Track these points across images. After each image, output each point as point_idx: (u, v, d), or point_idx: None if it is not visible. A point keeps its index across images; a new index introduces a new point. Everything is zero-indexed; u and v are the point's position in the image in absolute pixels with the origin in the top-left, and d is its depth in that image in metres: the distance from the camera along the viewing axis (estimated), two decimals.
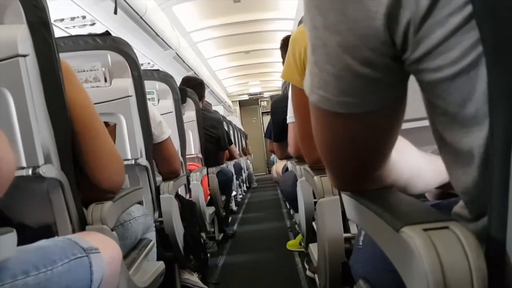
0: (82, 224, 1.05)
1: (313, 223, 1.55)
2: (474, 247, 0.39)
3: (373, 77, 0.47)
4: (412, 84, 0.52)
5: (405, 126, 0.58)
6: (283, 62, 2.56)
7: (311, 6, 0.48)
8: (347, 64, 0.46)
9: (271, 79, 10.44)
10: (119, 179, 1.18)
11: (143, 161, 1.68)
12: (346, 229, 1.20)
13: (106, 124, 1.29)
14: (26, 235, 0.82)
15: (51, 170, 0.95)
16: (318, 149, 0.62)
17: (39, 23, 0.94)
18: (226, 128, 4.19)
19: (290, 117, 1.85)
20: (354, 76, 0.47)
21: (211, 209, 3.13)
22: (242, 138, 7.53)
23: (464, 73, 0.40)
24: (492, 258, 0.40)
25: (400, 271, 0.47)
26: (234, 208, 5.30)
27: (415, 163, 0.72)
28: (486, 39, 0.36)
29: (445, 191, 0.82)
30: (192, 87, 3.23)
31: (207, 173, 3.23)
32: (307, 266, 2.52)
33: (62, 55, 1.02)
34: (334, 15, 0.45)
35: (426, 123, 0.55)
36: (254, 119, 12.87)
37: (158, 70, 2.60)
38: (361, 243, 0.82)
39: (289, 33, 5.64)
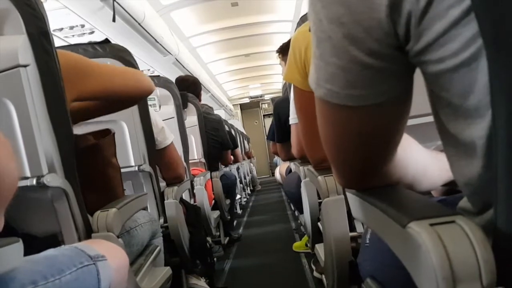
0: (88, 232, 1.05)
1: (319, 223, 1.54)
2: (481, 240, 0.39)
3: (380, 67, 0.47)
4: (414, 81, 0.52)
5: (407, 122, 0.58)
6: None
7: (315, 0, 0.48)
8: (354, 56, 0.47)
9: (271, 81, 10.45)
10: (144, 88, 1.35)
11: (147, 167, 1.68)
12: (352, 228, 1.19)
13: (107, 132, 1.29)
14: (33, 245, 0.82)
15: (55, 179, 0.95)
16: (324, 146, 0.62)
17: (38, 33, 0.94)
18: (229, 131, 4.19)
19: (293, 118, 1.85)
20: (361, 67, 0.47)
21: (216, 213, 3.12)
22: (245, 141, 7.53)
23: (466, 65, 0.40)
24: (500, 250, 0.40)
25: (408, 267, 0.47)
26: (239, 211, 5.30)
27: (421, 161, 0.72)
28: (485, 32, 0.36)
29: (451, 189, 0.81)
30: (186, 88, 3.22)
31: (211, 177, 3.23)
32: (314, 267, 2.51)
33: None
34: (338, 7, 0.45)
35: (427, 119, 0.55)
36: (256, 122, 12.87)
37: (159, 76, 2.60)
38: (368, 241, 0.81)
39: (288, 35, 5.63)
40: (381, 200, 0.55)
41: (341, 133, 0.57)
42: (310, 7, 0.50)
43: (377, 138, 0.57)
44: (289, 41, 2.43)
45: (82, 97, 1.13)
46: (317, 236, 1.58)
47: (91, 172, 1.19)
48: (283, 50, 2.65)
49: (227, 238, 3.65)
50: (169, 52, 4.90)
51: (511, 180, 0.38)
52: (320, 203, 1.27)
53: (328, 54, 0.49)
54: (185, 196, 2.31)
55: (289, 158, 2.61)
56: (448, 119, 0.47)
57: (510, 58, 0.36)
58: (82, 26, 3.50)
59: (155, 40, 4.30)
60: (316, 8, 0.48)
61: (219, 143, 3.45)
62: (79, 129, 1.26)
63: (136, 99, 1.36)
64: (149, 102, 1.98)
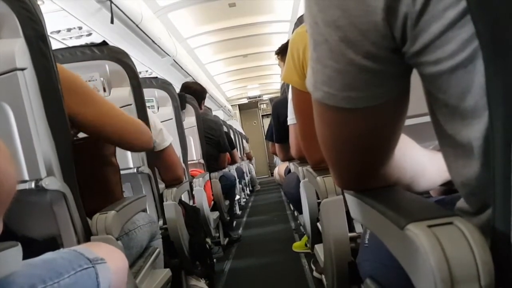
0: (87, 235, 1.05)
1: (318, 223, 1.54)
2: (479, 241, 0.39)
3: (377, 70, 0.47)
4: (411, 81, 0.52)
5: (405, 122, 0.58)
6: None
7: (311, 2, 0.48)
8: (350, 59, 0.47)
9: (269, 82, 10.45)
10: (141, 141, 1.31)
11: (145, 169, 1.68)
12: (351, 228, 1.19)
13: None
14: (32, 248, 0.82)
15: (54, 182, 0.95)
16: (321, 147, 0.62)
17: (36, 36, 0.94)
18: (227, 131, 4.18)
19: (291, 119, 1.86)
20: (358, 70, 0.47)
21: (215, 214, 3.12)
22: (243, 142, 7.53)
23: (462, 66, 0.40)
24: (498, 251, 0.40)
25: (407, 269, 0.47)
26: (238, 212, 5.29)
27: (419, 161, 0.72)
28: (481, 33, 0.36)
29: (449, 188, 0.82)
30: (190, 93, 3.22)
31: (210, 178, 3.23)
32: (314, 267, 2.51)
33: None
34: (335, 10, 0.45)
35: (426, 119, 0.55)
36: (255, 122, 12.87)
37: (157, 77, 2.60)
38: (367, 241, 0.81)
39: (285, 35, 5.61)
40: (379, 202, 0.55)
41: (338, 135, 0.57)
42: (306, 10, 0.50)
43: (375, 140, 0.57)
44: (287, 42, 2.44)
45: (70, 120, 1.09)
46: (316, 236, 1.58)
47: (89, 167, 1.19)
48: (282, 51, 2.66)
49: (227, 239, 3.65)
50: (167, 53, 4.90)
51: (509, 181, 0.37)
52: (319, 204, 1.27)
53: (325, 57, 0.49)
54: (184, 197, 2.31)
55: (288, 158, 2.61)
56: (445, 120, 0.47)
57: (506, 59, 0.36)
58: (80, 28, 3.50)
59: (153, 41, 4.30)
60: (313, 12, 0.48)
61: (216, 143, 3.44)
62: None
63: (129, 149, 1.34)
64: (148, 104, 1.98)
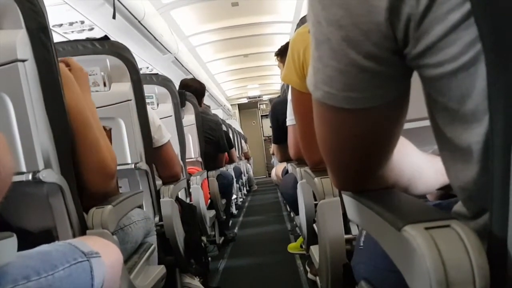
0: (82, 229, 1.05)
1: (314, 225, 1.54)
2: (476, 245, 0.39)
3: (377, 70, 0.47)
4: (412, 85, 0.52)
5: (405, 126, 0.58)
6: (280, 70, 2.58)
7: (314, 1, 0.48)
8: (352, 59, 0.47)
9: (270, 82, 10.45)
10: (104, 185, 1.16)
11: (143, 165, 1.68)
12: (347, 230, 1.19)
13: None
14: (27, 240, 0.82)
15: (51, 175, 0.94)
16: (320, 147, 0.62)
17: (37, 28, 0.94)
18: (226, 131, 4.18)
19: (290, 120, 1.86)
20: (359, 70, 0.47)
21: (212, 213, 3.12)
22: (242, 141, 7.52)
23: (464, 69, 0.40)
24: (494, 255, 0.40)
25: (402, 271, 0.47)
26: (235, 211, 5.29)
27: (417, 164, 0.72)
28: (484, 36, 0.36)
29: (446, 192, 0.82)
30: (189, 92, 3.22)
31: (207, 177, 3.22)
32: (308, 269, 2.51)
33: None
34: (338, 10, 0.45)
35: (425, 123, 0.55)
36: (254, 122, 12.87)
37: (157, 74, 2.60)
38: (362, 244, 0.81)
39: (287, 36, 5.61)
40: (377, 203, 0.55)
41: (337, 135, 0.57)
42: (309, 9, 0.50)
43: (373, 141, 0.57)
44: (287, 44, 2.44)
45: None
46: (312, 237, 1.57)
47: None
48: (282, 53, 2.67)
49: (222, 237, 3.64)
50: (168, 50, 4.90)
51: (507, 186, 0.38)
52: (316, 205, 1.27)
53: (326, 56, 0.49)
54: (181, 194, 2.31)
55: (285, 159, 2.61)
56: (444, 123, 0.47)
57: (509, 63, 0.35)
58: (82, 22, 3.50)
59: (155, 38, 4.29)
60: (316, 10, 0.48)
61: (215, 143, 3.44)
62: None
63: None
64: (147, 100, 1.98)
